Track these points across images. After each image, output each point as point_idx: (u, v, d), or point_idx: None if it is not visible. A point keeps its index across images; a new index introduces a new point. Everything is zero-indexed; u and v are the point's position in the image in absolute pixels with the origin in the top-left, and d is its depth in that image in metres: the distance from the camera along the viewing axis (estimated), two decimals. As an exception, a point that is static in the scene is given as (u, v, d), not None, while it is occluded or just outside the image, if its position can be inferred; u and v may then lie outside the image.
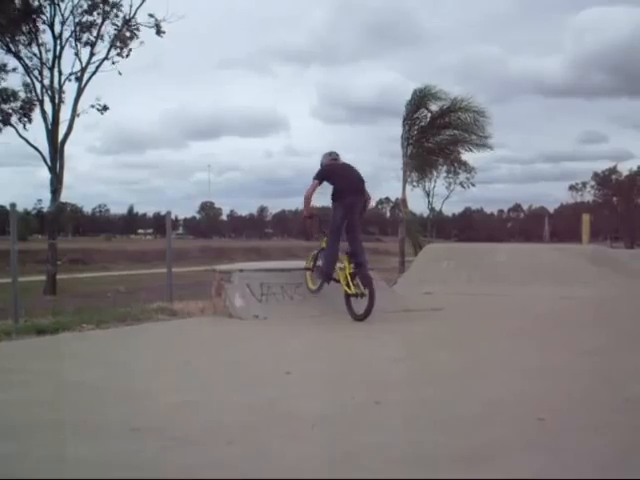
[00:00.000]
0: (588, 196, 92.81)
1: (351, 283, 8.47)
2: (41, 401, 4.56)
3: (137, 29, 27.76)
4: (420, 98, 23.29)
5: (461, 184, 63.02)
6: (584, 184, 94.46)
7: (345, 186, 8.72)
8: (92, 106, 28.10)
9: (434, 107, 23.38)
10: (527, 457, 3.38)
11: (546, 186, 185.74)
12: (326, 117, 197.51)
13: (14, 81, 29.42)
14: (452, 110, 23.15)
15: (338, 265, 8.85)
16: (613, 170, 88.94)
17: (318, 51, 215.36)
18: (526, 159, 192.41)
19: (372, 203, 9.89)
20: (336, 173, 8.90)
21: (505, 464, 3.28)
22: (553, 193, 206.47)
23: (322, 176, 8.89)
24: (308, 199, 8.99)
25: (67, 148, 27.99)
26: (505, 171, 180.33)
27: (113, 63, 27.76)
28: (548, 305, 10.07)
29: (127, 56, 27.84)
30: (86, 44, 27.52)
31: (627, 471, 3.16)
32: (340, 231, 8.72)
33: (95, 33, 27.43)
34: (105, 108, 28.38)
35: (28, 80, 27.75)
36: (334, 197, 8.74)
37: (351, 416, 4.24)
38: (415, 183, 48.17)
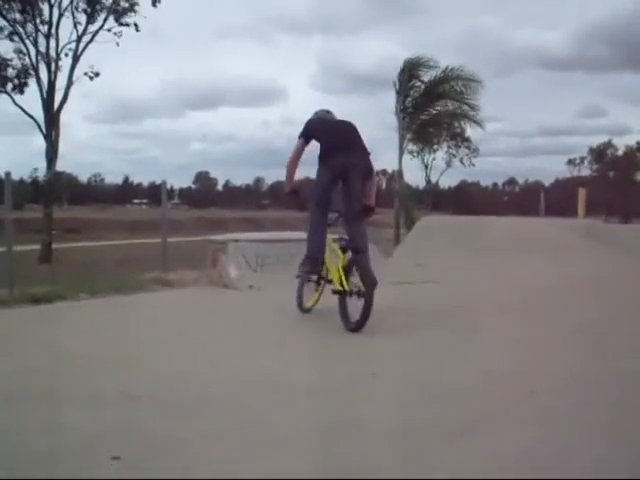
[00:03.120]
0: (586, 171, 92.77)
1: (344, 277, 6.19)
2: (36, 370, 4.58)
3: (135, 3, 27.43)
4: (411, 68, 23.19)
5: (461, 160, 63.21)
6: (582, 159, 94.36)
7: (333, 142, 6.51)
8: (85, 74, 27.85)
9: (426, 77, 23.38)
10: (518, 430, 3.41)
11: (544, 160, 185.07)
12: (325, 87, 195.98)
13: (7, 48, 29.02)
14: (444, 80, 23.07)
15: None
16: (608, 144, 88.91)
17: (319, 20, 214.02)
18: (525, 133, 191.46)
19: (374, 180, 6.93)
20: (324, 128, 6.76)
21: (496, 437, 3.31)
22: (550, 167, 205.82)
23: (308, 133, 6.72)
24: (291, 166, 6.72)
25: (63, 117, 27.90)
26: (503, 144, 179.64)
27: (115, 34, 27.48)
28: (543, 279, 10.10)
29: (126, 25, 27.52)
30: (84, 11, 27.18)
31: (617, 445, 3.19)
32: (326, 199, 6.46)
33: (90, 5, 27.07)
34: (96, 75, 28.08)
35: (21, 47, 27.41)
36: (320, 157, 6.50)
37: (344, 388, 4.27)
38: (415, 154, 48.17)
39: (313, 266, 6.39)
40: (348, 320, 6.00)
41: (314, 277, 6.83)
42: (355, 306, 5.93)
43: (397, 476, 2.87)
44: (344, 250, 6.39)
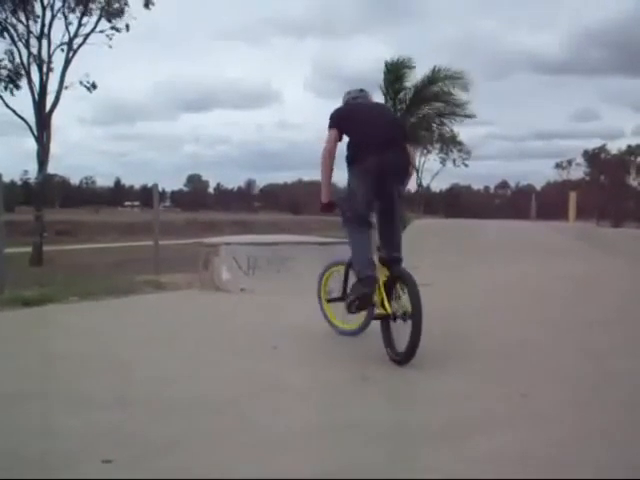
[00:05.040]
0: (575, 174, 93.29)
1: (387, 299, 5.05)
2: (27, 372, 4.57)
3: (126, 3, 27.37)
4: (395, 70, 23.12)
5: (454, 161, 63.74)
6: (569, 162, 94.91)
7: (366, 136, 5.24)
8: (80, 82, 27.78)
9: (410, 79, 23.31)
10: (510, 433, 3.41)
11: (537, 164, 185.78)
12: (320, 90, 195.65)
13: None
14: (433, 81, 23.01)
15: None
16: (602, 148, 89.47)
17: (314, 23, 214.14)
18: (518, 136, 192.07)
19: (411, 177, 5.64)
20: (354, 117, 5.48)
21: (487, 439, 3.31)
22: (543, 171, 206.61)
23: (338, 122, 5.41)
24: (325, 167, 5.35)
25: (55, 119, 27.86)
26: (496, 148, 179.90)
27: (107, 36, 27.42)
28: (534, 282, 10.13)
29: (117, 30, 27.48)
30: (74, 12, 27.12)
31: (610, 445, 3.20)
32: (366, 216, 5.26)
33: (83, 5, 27.00)
34: (94, 86, 28.03)
35: (13, 48, 27.29)
36: (349, 158, 5.28)
37: (337, 391, 4.27)
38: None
39: (371, 286, 5.05)
40: (394, 349, 4.94)
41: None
42: (400, 332, 4.88)
43: (397, 477, 2.88)
44: (384, 263, 5.22)
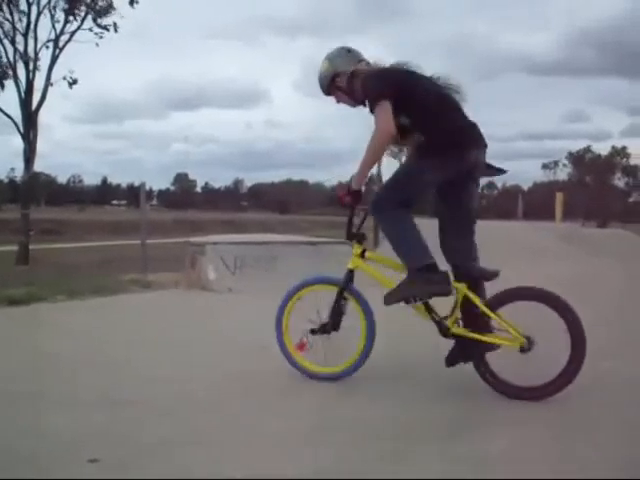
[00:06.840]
0: (561, 175, 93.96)
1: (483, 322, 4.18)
2: (14, 372, 4.55)
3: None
4: None
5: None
6: (556, 162, 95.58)
7: (464, 120, 4.09)
8: (64, 78, 27.56)
9: None
10: (502, 430, 3.44)
11: (524, 164, 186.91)
12: (309, 91, 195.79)
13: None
14: None
15: None
16: (587, 150, 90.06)
17: (305, 23, 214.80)
18: (506, 137, 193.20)
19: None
20: (429, 90, 4.08)
21: (480, 436, 3.34)
22: (530, 171, 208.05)
23: (398, 90, 3.93)
24: (379, 148, 3.93)
25: (43, 117, 27.67)
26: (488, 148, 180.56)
27: (96, 34, 27.19)
28: (523, 282, 10.15)
29: (105, 28, 27.26)
30: (60, 10, 26.90)
31: (597, 445, 3.23)
32: (414, 202, 4.19)
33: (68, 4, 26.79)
34: (75, 82, 27.78)
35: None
36: (434, 148, 3.96)
37: (327, 389, 4.27)
38: (393, 157, 48.18)
39: (442, 276, 4.14)
40: (511, 383, 4.00)
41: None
42: (518, 364, 3.91)
43: (388, 476, 2.89)
44: (459, 280, 4.35)
